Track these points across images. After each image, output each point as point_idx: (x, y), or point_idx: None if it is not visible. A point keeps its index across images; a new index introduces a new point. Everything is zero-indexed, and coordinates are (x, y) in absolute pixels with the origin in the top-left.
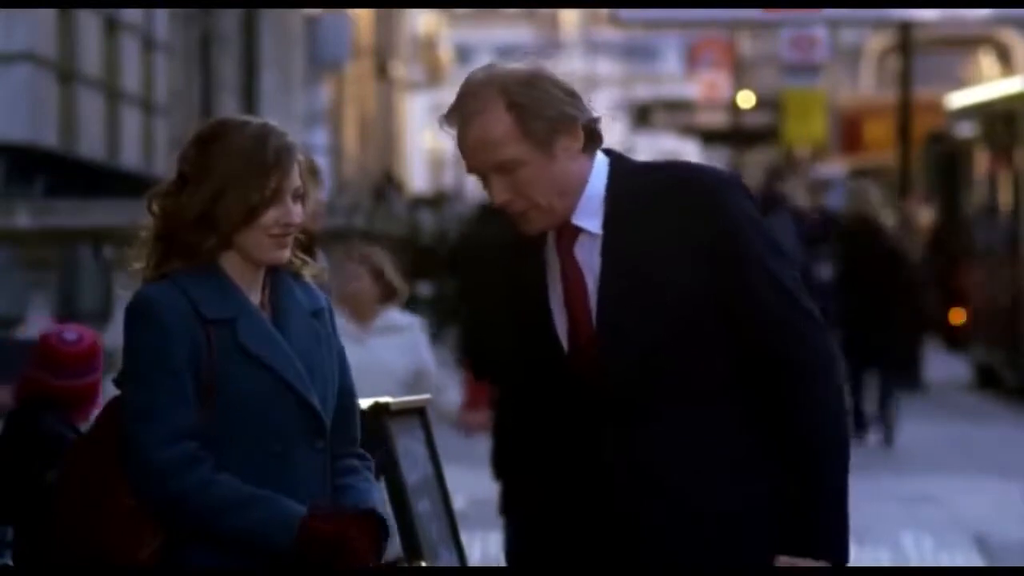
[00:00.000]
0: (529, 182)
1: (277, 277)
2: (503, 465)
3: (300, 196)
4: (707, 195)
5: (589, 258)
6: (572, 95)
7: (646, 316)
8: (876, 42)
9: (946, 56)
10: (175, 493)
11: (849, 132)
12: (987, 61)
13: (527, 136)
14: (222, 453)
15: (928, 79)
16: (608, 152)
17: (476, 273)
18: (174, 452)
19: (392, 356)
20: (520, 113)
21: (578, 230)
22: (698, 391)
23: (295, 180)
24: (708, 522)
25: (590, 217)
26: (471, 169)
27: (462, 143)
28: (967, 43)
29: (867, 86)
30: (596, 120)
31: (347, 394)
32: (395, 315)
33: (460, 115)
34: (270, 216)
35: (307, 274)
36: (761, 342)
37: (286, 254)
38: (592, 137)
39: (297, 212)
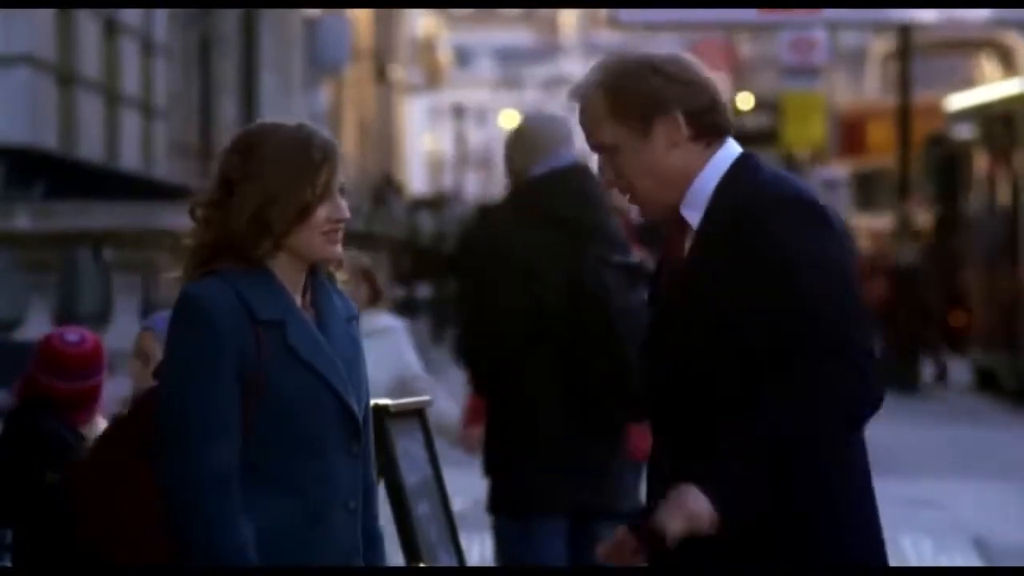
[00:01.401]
0: (626, 167)
1: (316, 281)
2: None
3: (344, 191)
4: (762, 221)
5: None
6: (681, 83)
7: (693, 327)
8: (880, 46)
9: (950, 60)
10: (200, 510)
11: (852, 135)
12: (990, 64)
13: (621, 121)
14: (264, 453)
15: (932, 82)
16: (744, 150)
17: (480, 273)
18: (212, 463)
19: (371, 365)
20: (614, 98)
21: (685, 221)
22: (712, 406)
23: (340, 175)
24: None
25: (694, 210)
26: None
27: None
28: (970, 46)
29: (872, 89)
30: (709, 111)
31: (367, 412)
32: (377, 318)
33: (576, 96)
34: (321, 213)
35: (339, 278)
36: (785, 339)
37: (339, 250)
38: (707, 129)
39: (345, 207)
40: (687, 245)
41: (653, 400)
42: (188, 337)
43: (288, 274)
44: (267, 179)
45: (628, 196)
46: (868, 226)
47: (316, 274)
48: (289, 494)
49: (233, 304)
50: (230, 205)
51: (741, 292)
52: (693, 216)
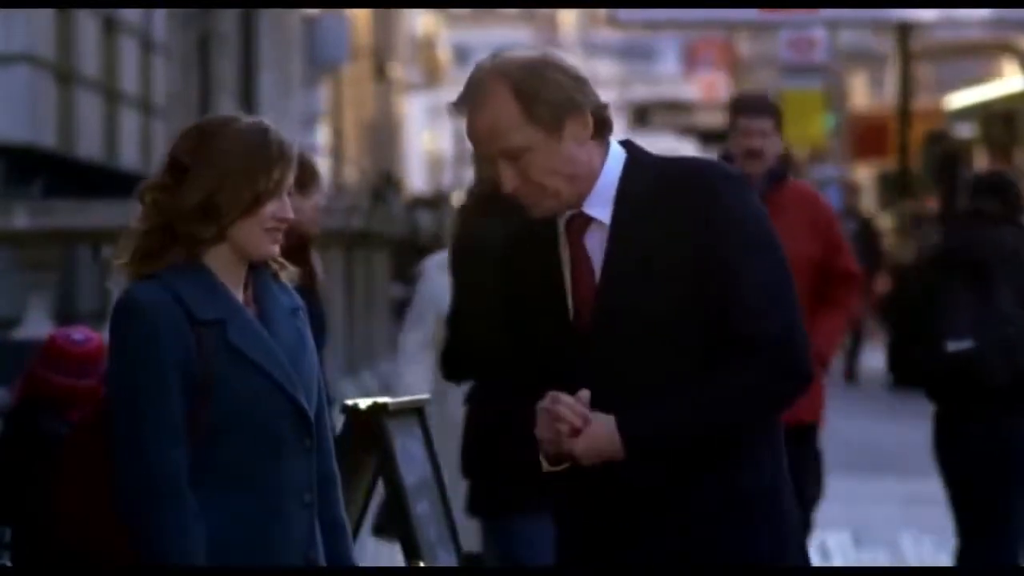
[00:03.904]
0: (537, 167)
1: (259, 276)
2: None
3: (291, 194)
4: (707, 191)
5: (597, 247)
6: (579, 81)
7: (641, 308)
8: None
9: (967, 63)
10: (151, 514)
11: (873, 137)
12: (1009, 68)
13: (533, 121)
14: (218, 454)
15: (949, 86)
16: (625, 144)
17: (457, 273)
18: (163, 466)
19: None
20: (526, 99)
21: (589, 219)
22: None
23: (292, 176)
24: (677, 513)
25: (601, 207)
26: (482, 155)
27: (471, 130)
28: (987, 49)
29: (893, 92)
30: (604, 107)
31: (321, 403)
32: None
33: (468, 103)
34: (269, 209)
35: (284, 277)
36: (730, 324)
37: (277, 249)
38: (602, 124)
39: (290, 208)
40: (592, 240)
41: (596, 380)
42: (130, 342)
43: (227, 270)
44: (223, 165)
45: (533, 197)
46: (885, 226)
47: (258, 269)
48: (245, 493)
49: (173, 309)
50: (180, 190)
51: (690, 260)
52: (601, 211)
